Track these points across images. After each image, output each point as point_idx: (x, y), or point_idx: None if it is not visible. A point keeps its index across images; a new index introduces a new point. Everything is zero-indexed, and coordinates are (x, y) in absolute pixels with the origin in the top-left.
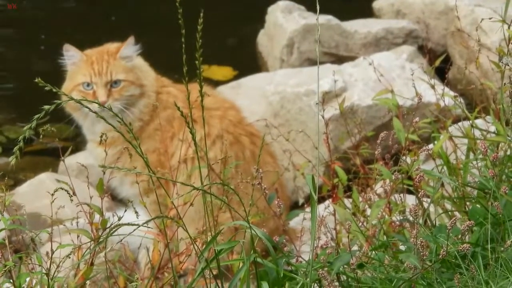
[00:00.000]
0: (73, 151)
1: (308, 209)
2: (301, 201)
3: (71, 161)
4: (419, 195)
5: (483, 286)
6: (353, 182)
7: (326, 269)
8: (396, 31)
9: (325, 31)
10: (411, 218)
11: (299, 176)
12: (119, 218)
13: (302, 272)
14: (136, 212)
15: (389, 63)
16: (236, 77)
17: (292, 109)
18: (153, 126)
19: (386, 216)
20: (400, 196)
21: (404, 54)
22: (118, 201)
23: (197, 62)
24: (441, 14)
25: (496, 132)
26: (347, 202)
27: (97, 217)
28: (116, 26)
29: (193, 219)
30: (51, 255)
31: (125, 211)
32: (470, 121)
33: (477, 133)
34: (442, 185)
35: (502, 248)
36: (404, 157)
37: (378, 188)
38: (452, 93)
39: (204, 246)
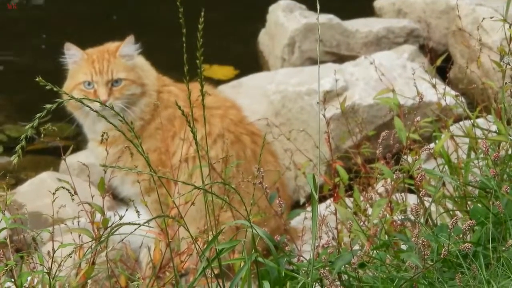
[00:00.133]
0: (74, 150)
1: (309, 209)
2: (302, 200)
3: (72, 160)
4: (420, 194)
5: (484, 285)
6: (354, 181)
7: (327, 268)
8: (397, 30)
9: (326, 30)
10: (412, 218)
11: (300, 175)
12: (121, 217)
13: (303, 272)
14: (137, 211)
15: (390, 62)
16: (237, 76)
17: (293, 108)
18: (154, 125)
19: (388, 216)
20: (401, 196)
21: (405, 53)
22: (119, 200)
23: (198, 61)
24: (442, 13)
25: (497, 131)
26: (348, 201)
27: (98, 216)
28: (117, 25)
29: (194, 218)
30: (53, 254)
31: (127, 210)
32: (472, 121)
33: (478, 132)
34: (444, 184)
35: (504, 248)
36: (405, 156)
37: (379, 187)
38: (453, 93)
39: (205, 245)
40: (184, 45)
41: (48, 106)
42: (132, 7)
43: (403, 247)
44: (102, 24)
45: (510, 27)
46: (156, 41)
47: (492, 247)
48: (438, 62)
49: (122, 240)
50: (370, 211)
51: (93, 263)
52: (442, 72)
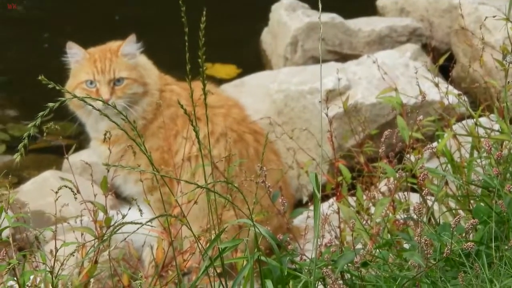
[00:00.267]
0: (77, 149)
1: (312, 207)
2: (305, 199)
3: (75, 159)
4: (423, 193)
5: (487, 284)
6: (357, 180)
7: (330, 267)
8: (400, 29)
9: (329, 29)
10: (415, 216)
11: (303, 174)
12: (123, 216)
13: (306, 270)
14: (140, 210)
15: (393, 61)
16: (239, 75)
17: (296, 107)
18: (157, 124)
19: (390, 214)
20: (404, 194)
21: (408, 52)
22: (122, 199)
23: (200, 60)
24: (445, 12)
25: (500, 130)
26: (351, 200)
27: (101, 215)
28: (120, 25)
29: (197, 217)
30: (55, 253)
31: (129, 209)
32: (474, 119)
33: (481, 131)
34: (446, 183)
35: (506, 247)
36: (408, 155)
37: (382, 186)
38: (456, 91)
39: (208, 244)
40: (186, 43)
41: (50, 104)
42: (134, 6)
43: (406, 246)
44: (105, 24)
45: None
46: (158, 40)
47: (495, 246)
48: (441, 61)
49: (125, 239)
50: (372, 210)
51: (96, 261)
52: (445, 71)
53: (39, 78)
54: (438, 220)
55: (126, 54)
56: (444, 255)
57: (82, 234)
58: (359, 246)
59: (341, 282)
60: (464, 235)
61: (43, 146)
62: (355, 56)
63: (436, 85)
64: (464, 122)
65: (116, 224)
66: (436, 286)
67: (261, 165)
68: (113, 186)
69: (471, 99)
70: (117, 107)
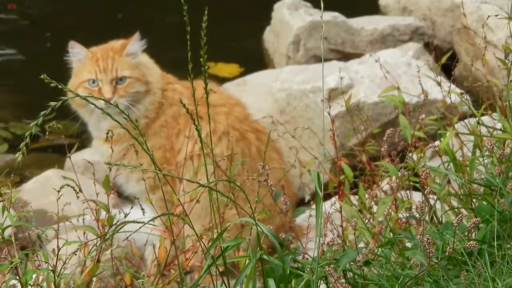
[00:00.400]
0: (79, 148)
1: (314, 206)
2: (307, 198)
3: (77, 158)
4: (425, 192)
5: (489, 283)
6: (359, 179)
7: (332, 266)
8: (402, 28)
9: (331, 28)
10: (417, 215)
11: (305, 173)
12: (126, 215)
13: (308, 269)
14: (142, 209)
15: (395, 60)
16: (242, 74)
17: (298, 106)
18: (159, 123)
19: (393, 213)
20: (406, 193)
21: (410, 51)
22: (125, 198)
23: (202, 59)
24: (447, 11)
25: (502, 129)
26: (353, 199)
27: (103, 214)
28: (122, 24)
29: (199, 216)
30: (58, 252)
31: (132, 208)
32: (477, 118)
33: (483, 130)
34: (449, 182)
35: (509, 245)
36: (410, 154)
37: (384, 185)
38: (458, 90)
39: (210, 243)
40: (189, 43)
41: (52, 103)
42: (137, 5)
43: (408, 244)
44: (107, 22)
45: None
46: (160, 39)
47: (497, 244)
48: (443, 60)
49: (127, 238)
50: (375, 208)
51: (98, 260)
52: (447, 70)
53: (42, 77)
54: (440, 219)
55: (131, 53)
56: (447, 253)
57: (84, 233)
58: (361, 244)
59: (343, 280)
60: (466, 233)
61: (45, 145)
62: (358, 55)
63: (439, 84)
64: (466, 121)
65: (118, 223)
66: (438, 285)
67: (263, 163)
68: (115, 185)
69: (473, 98)
70: (120, 106)
